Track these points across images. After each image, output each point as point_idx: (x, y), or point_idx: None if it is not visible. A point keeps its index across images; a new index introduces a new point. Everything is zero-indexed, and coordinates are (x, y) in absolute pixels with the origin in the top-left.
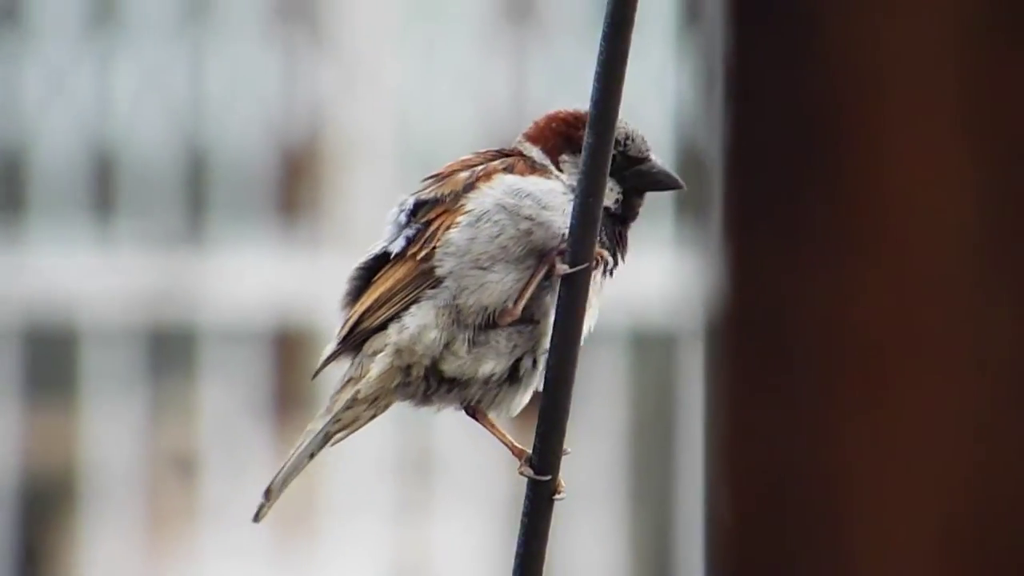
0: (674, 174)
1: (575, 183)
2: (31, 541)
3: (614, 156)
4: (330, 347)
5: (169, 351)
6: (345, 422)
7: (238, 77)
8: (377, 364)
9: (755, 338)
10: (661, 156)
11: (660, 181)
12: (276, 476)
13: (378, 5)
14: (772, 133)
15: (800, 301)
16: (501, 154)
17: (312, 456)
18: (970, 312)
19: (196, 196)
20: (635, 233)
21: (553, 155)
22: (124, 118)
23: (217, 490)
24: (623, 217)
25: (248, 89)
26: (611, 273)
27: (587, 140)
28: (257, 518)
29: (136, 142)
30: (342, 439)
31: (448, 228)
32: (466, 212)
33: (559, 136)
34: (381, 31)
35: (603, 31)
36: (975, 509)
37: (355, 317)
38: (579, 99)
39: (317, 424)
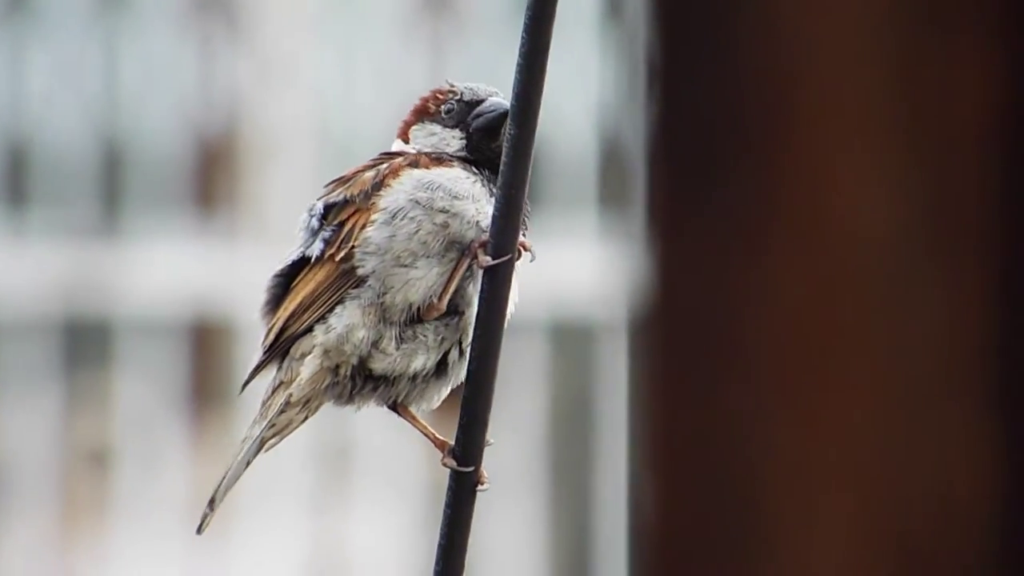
0: (505, 102)
1: (434, 145)
2: None
3: (452, 107)
4: (256, 357)
5: (84, 343)
6: (279, 427)
7: (154, 68)
8: (307, 366)
9: (678, 331)
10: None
11: (494, 110)
12: (218, 486)
13: None
14: (696, 125)
15: (724, 293)
16: (389, 156)
17: (249, 463)
18: (893, 303)
19: (111, 187)
20: (557, 224)
21: (403, 135)
22: (37, 108)
23: (132, 483)
24: (476, 160)
25: (164, 80)
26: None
27: (509, 131)
28: (200, 529)
29: (50, 133)
30: (276, 444)
31: (364, 227)
32: (380, 210)
33: (413, 116)
34: (298, 24)
35: (524, 23)
36: (895, 497)
37: (279, 324)
38: (498, 89)
39: (253, 431)
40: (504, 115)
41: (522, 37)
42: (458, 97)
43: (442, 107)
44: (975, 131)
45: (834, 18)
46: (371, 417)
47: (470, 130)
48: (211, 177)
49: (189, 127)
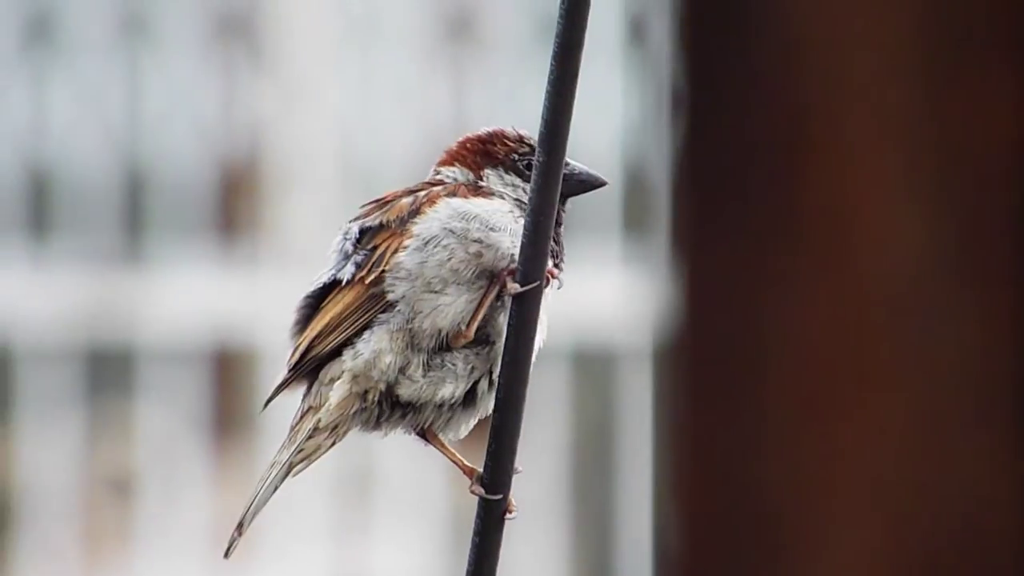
0: (595, 172)
1: (515, 197)
2: None
3: (531, 165)
4: (281, 375)
5: (106, 371)
6: (307, 452)
7: (176, 94)
8: (336, 392)
9: (703, 357)
10: (584, 163)
11: (584, 182)
12: (246, 510)
13: (318, 24)
14: (720, 151)
15: (750, 319)
16: (430, 184)
17: (276, 488)
18: (924, 330)
19: (134, 215)
20: (581, 251)
21: (475, 171)
22: (60, 136)
23: (154, 510)
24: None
25: (186, 106)
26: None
27: (538, 158)
28: (228, 553)
29: (73, 160)
30: (303, 470)
31: (395, 252)
32: (413, 236)
33: (477, 154)
34: (321, 50)
35: (553, 51)
36: (922, 523)
37: (305, 343)
38: (520, 115)
39: (281, 456)
40: (598, 186)
41: (551, 65)
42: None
43: (514, 156)
44: (1003, 159)
45: (860, 44)
46: (394, 443)
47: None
48: (233, 203)
49: (211, 154)
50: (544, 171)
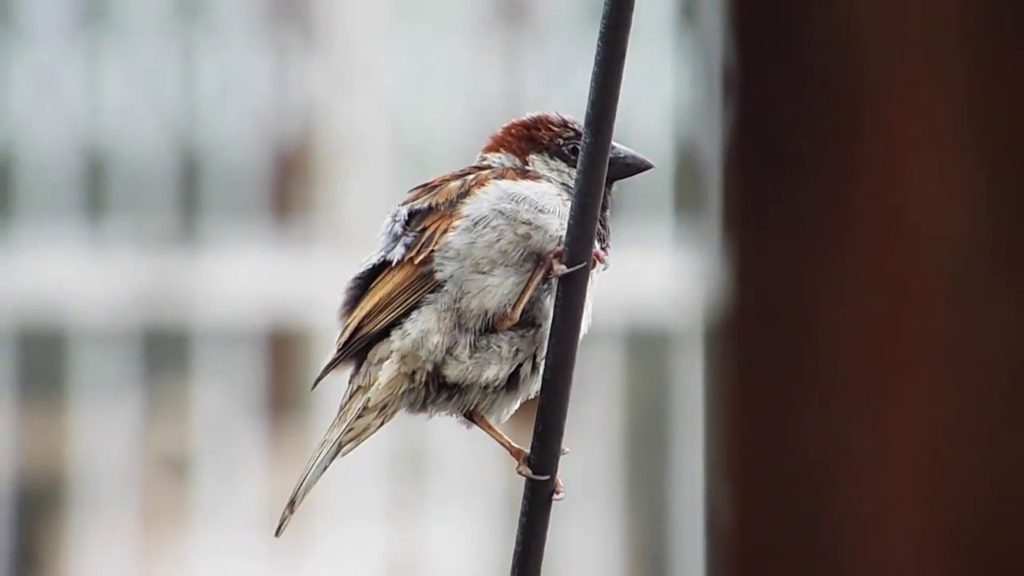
0: (641, 155)
1: (561, 181)
2: (24, 543)
3: (579, 147)
4: (330, 355)
5: (161, 352)
6: (357, 431)
7: (230, 77)
8: (385, 371)
9: (753, 337)
10: (633, 147)
11: (630, 165)
12: (296, 488)
13: (370, 5)
14: (772, 132)
15: (799, 301)
16: (478, 168)
17: (326, 468)
18: (971, 313)
19: (188, 196)
20: (633, 232)
21: (521, 157)
22: (115, 119)
23: (210, 491)
24: (600, 207)
25: (240, 89)
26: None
27: (585, 140)
28: (279, 531)
29: (127, 143)
30: (351, 449)
31: (444, 232)
32: (463, 216)
33: (521, 139)
34: (373, 31)
35: (600, 32)
36: (974, 510)
37: (354, 323)
38: (571, 97)
39: (331, 435)
40: (644, 169)
41: (598, 45)
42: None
43: (559, 141)
44: None
45: (907, 25)
46: (447, 424)
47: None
48: (287, 185)
49: (265, 136)
50: (591, 153)
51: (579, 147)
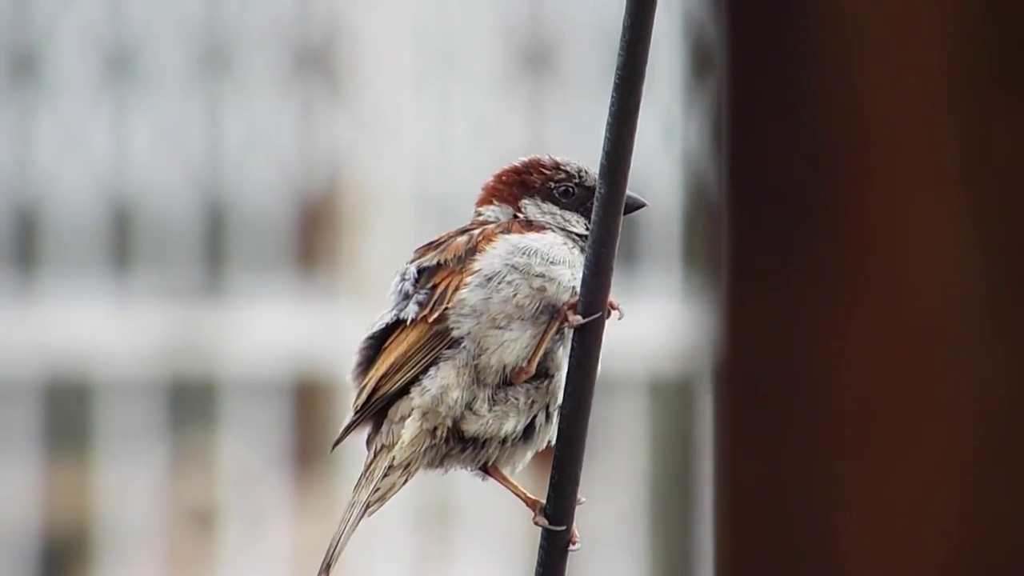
0: (634, 194)
1: (557, 224)
2: None
3: (571, 189)
4: (348, 417)
5: (188, 404)
6: (383, 491)
7: (255, 129)
8: (408, 429)
9: (753, 386)
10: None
11: (626, 204)
12: (331, 551)
13: (395, 57)
14: (771, 184)
15: (799, 350)
16: (481, 223)
17: (356, 527)
18: (968, 361)
19: (214, 248)
20: (655, 280)
21: (513, 204)
22: (141, 171)
23: (236, 542)
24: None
25: (265, 141)
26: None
27: (599, 190)
28: None
29: (153, 195)
30: (377, 509)
31: (457, 289)
32: (475, 272)
33: (513, 185)
34: (398, 82)
35: (615, 83)
36: (972, 558)
37: (371, 384)
38: (595, 147)
39: (360, 496)
40: (639, 207)
41: (612, 97)
42: (576, 180)
43: (551, 184)
44: None
45: (903, 81)
46: (468, 476)
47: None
48: (312, 237)
49: (290, 187)
50: (605, 203)
51: (571, 189)
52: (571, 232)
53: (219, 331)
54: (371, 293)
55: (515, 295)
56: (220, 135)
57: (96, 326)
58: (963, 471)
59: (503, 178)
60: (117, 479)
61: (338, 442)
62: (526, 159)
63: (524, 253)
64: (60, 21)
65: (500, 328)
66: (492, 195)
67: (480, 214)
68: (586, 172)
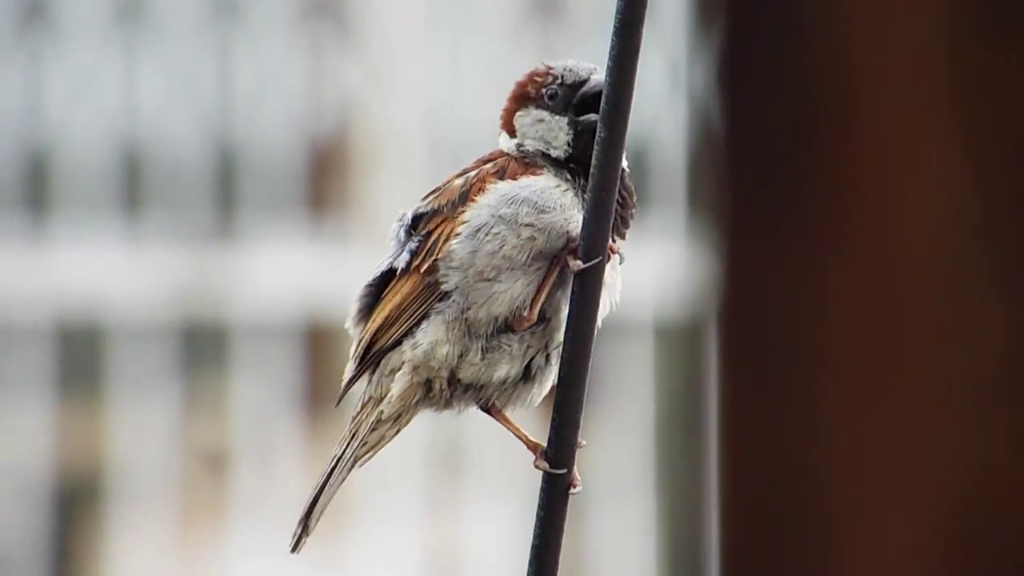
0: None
1: (541, 137)
2: (62, 538)
3: (556, 92)
4: (348, 369)
5: (199, 347)
6: (371, 444)
7: (266, 74)
8: (397, 383)
9: (754, 329)
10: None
11: (599, 90)
12: (313, 508)
13: (405, 2)
14: (773, 128)
15: (799, 293)
16: (483, 161)
17: (343, 481)
18: (957, 314)
19: (225, 192)
20: (660, 224)
21: (509, 125)
22: (151, 115)
23: (249, 486)
24: (580, 160)
25: (276, 85)
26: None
27: (599, 134)
28: (296, 548)
29: (164, 139)
30: (368, 460)
31: (447, 239)
32: (464, 223)
33: (514, 100)
34: (408, 27)
35: (614, 27)
36: (960, 510)
37: (367, 337)
38: (596, 67)
39: (344, 451)
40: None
41: (612, 41)
42: (559, 80)
43: (543, 91)
44: None
45: (894, 31)
46: (478, 422)
47: (578, 128)
48: (323, 181)
49: (301, 132)
50: (606, 147)
51: (556, 92)
52: (552, 147)
53: (230, 275)
54: (381, 237)
55: (502, 247)
56: (230, 80)
57: (107, 270)
58: (957, 414)
59: (510, 97)
60: (129, 423)
61: (341, 397)
62: (529, 71)
63: (511, 203)
64: None
65: (488, 280)
66: (503, 121)
67: (501, 137)
68: (570, 70)
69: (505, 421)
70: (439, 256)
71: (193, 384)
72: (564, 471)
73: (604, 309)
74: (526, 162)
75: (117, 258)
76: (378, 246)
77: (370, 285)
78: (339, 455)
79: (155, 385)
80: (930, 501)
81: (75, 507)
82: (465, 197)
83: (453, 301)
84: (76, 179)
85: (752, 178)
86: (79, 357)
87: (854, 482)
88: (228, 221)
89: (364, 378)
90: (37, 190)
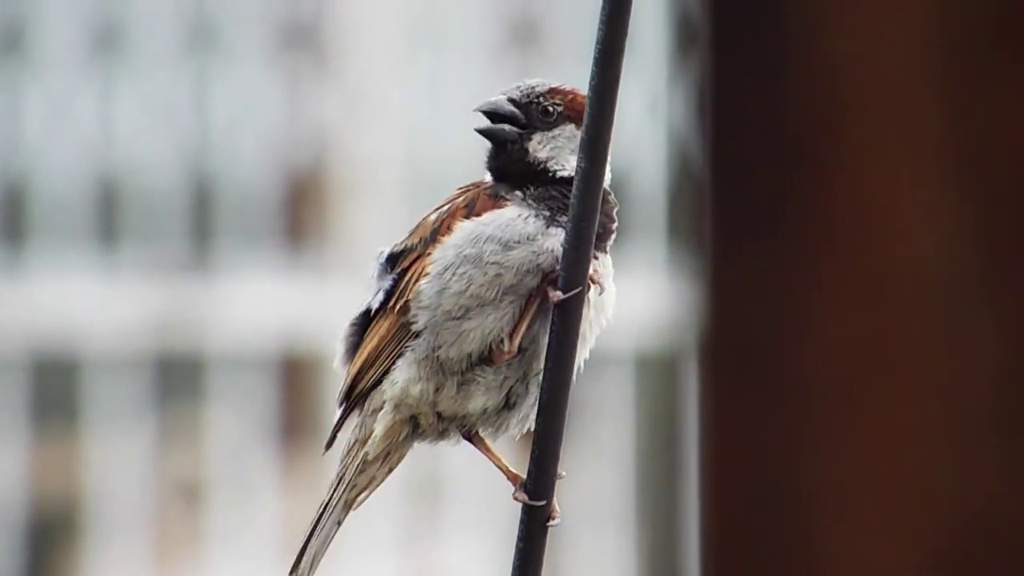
0: (494, 100)
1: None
2: (38, 570)
3: (512, 100)
4: (336, 412)
5: (175, 378)
6: (361, 485)
7: (243, 104)
8: (380, 422)
9: (737, 359)
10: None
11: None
12: (304, 556)
13: (382, 31)
14: (754, 158)
15: (782, 323)
16: (462, 192)
17: (340, 524)
18: (947, 335)
19: (202, 223)
20: (643, 255)
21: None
22: (128, 145)
23: (224, 516)
24: (506, 176)
25: (253, 116)
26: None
27: (579, 164)
28: None
29: (141, 169)
30: (363, 501)
31: (418, 278)
32: (433, 262)
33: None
34: (385, 57)
35: (594, 57)
36: (949, 528)
37: (349, 380)
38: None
39: (331, 496)
40: (488, 130)
41: (592, 71)
42: (536, 102)
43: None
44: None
45: (884, 48)
46: (457, 452)
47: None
48: (300, 211)
49: (278, 162)
50: (586, 177)
51: (536, 110)
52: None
53: (207, 305)
54: (358, 268)
55: (469, 286)
56: (208, 109)
57: (84, 300)
58: (947, 437)
59: None
60: (104, 454)
61: (330, 441)
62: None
63: (476, 242)
64: None
65: (457, 319)
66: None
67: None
68: (516, 87)
69: (487, 451)
70: (409, 296)
71: (169, 415)
72: (543, 503)
73: (595, 331)
74: (493, 195)
75: (93, 288)
76: (356, 277)
77: (354, 324)
78: (326, 501)
79: (131, 416)
80: (918, 528)
81: (50, 539)
82: (436, 234)
83: (424, 340)
84: (52, 209)
85: (733, 208)
86: (54, 388)
87: (839, 511)
88: (205, 252)
89: (351, 420)
90: (13, 220)
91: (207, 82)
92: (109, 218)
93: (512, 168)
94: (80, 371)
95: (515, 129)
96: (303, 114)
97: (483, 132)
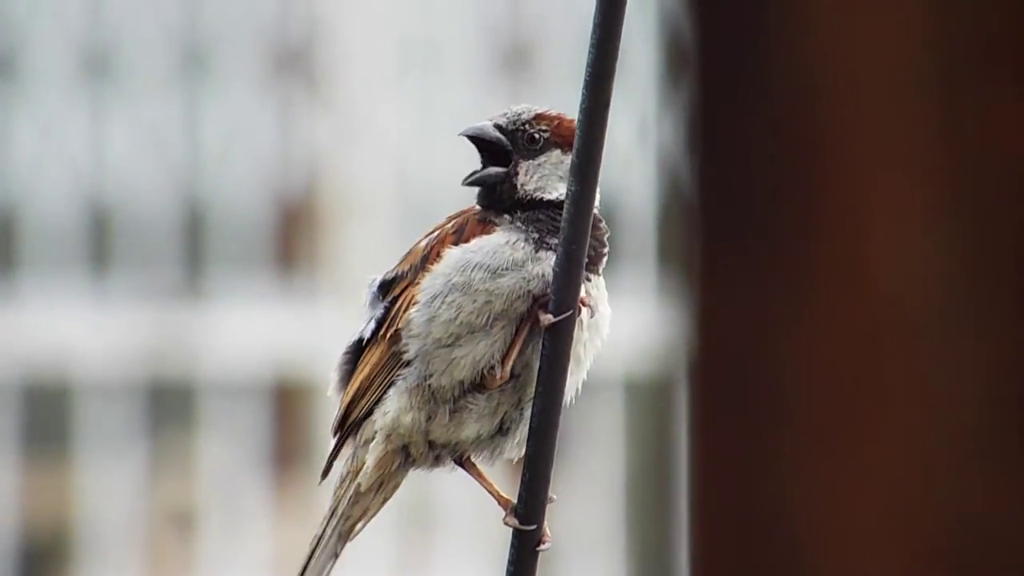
0: (478, 126)
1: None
2: None
3: (498, 126)
4: (331, 443)
5: (167, 405)
6: (355, 516)
7: (234, 129)
8: (371, 453)
9: (726, 384)
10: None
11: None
12: None
13: (374, 56)
14: (744, 184)
15: (771, 348)
16: (452, 217)
17: (337, 556)
18: (932, 357)
19: (193, 249)
20: (634, 280)
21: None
22: (119, 172)
23: (216, 544)
24: (493, 205)
25: (245, 141)
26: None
27: (570, 188)
28: None
29: (132, 196)
30: (360, 531)
31: (408, 306)
32: (422, 291)
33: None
34: (377, 82)
35: (585, 80)
36: (935, 547)
37: (342, 409)
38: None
39: (324, 528)
40: (476, 180)
41: (583, 94)
42: (523, 129)
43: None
44: (1013, 181)
45: (870, 72)
46: (448, 478)
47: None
48: (292, 237)
49: (269, 188)
50: (576, 201)
51: (522, 138)
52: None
53: (198, 332)
54: (351, 293)
55: (458, 314)
56: (199, 135)
57: (75, 327)
58: (934, 461)
59: None
60: (96, 481)
61: (325, 472)
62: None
63: (464, 270)
64: (37, 21)
65: (447, 347)
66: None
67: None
68: (505, 112)
69: (479, 476)
70: (400, 325)
71: (161, 442)
72: (534, 527)
73: (590, 353)
74: (482, 220)
75: (84, 315)
76: (348, 303)
77: (348, 352)
78: (319, 534)
79: (122, 443)
80: (908, 553)
81: (41, 565)
82: (425, 261)
83: (415, 368)
84: (43, 236)
85: (722, 233)
86: (46, 415)
87: (828, 535)
88: (196, 278)
89: (345, 450)
90: (3, 247)
91: (198, 108)
92: (100, 244)
93: (504, 205)
94: (72, 397)
95: (500, 170)
96: (294, 139)
97: (471, 183)
